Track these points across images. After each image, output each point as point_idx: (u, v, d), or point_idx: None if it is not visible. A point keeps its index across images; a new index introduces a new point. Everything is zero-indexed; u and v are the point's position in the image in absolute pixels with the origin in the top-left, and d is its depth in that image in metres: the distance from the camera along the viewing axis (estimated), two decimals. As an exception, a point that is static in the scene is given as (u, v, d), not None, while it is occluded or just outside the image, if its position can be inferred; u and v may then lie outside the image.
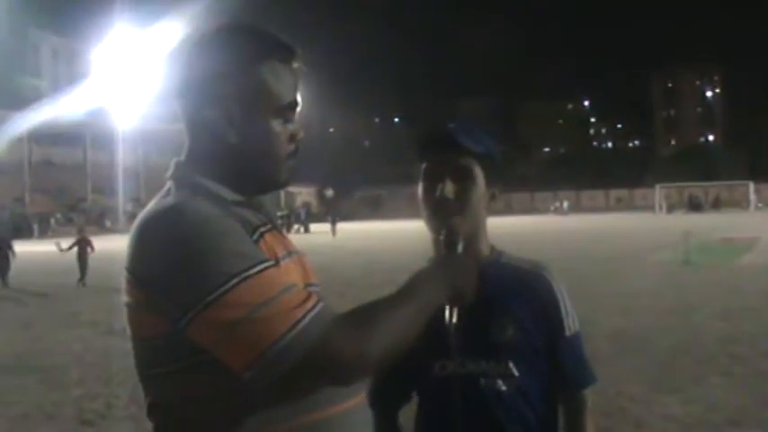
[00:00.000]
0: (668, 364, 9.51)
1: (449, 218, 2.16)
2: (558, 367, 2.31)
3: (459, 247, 2.09)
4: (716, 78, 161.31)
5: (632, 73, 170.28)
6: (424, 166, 2.31)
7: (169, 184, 1.82)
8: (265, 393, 1.62)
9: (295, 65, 1.86)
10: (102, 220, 73.83)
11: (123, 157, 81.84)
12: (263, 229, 1.79)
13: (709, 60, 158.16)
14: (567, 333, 2.30)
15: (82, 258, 22.50)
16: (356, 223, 75.83)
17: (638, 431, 6.90)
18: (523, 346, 2.24)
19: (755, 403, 7.65)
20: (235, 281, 1.57)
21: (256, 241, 1.73)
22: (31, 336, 14.08)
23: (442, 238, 2.12)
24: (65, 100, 74.14)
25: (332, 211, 63.01)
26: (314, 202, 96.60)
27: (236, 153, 1.79)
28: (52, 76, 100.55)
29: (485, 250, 2.36)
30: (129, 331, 1.77)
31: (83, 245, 22.95)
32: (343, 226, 60.02)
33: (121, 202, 78.39)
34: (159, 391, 1.74)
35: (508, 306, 2.26)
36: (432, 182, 2.26)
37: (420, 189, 2.31)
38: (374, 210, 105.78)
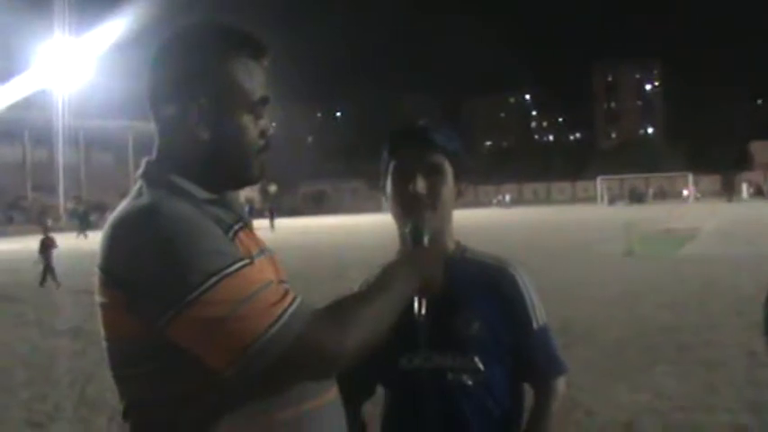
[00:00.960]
0: (615, 354, 9.65)
1: (420, 213, 2.21)
2: (529, 360, 2.34)
3: (426, 240, 2.13)
4: (655, 72, 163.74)
5: (573, 67, 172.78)
6: (393, 162, 2.34)
7: (140, 182, 1.81)
8: (243, 391, 1.64)
9: (265, 62, 1.88)
10: (42, 219, 72.64)
11: (63, 154, 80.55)
12: (236, 227, 1.80)
13: (648, 54, 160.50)
14: (535, 326, 2.34)
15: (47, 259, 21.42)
16: (300, 219, 75.69)
17: (588, 418, 6.99)
18: (489, 340, 2.27)
19: (701, 390, 7.80)
20: (215, 279, 1.58)
21: (232, 239, 1.74)
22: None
23: (408, 231, 2.16)
24: (2, 95, 72.91)
25: (269, 206, 62.58)
26: (257, 197, 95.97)
27: (208, 149, 1.80)
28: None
29: (450, 245, 2.40)
30: (103, 332, 1.76)
31: (47, 244, 21.86)
32: (286, 221, 59.84)
33: (62, 200, 77.31)
34: (136, 391, 1.74)
35: (474, 301, 2.30)
36: (403, 178, 2.29)
37: (389, 185, 2.34)
38: (317, 205, 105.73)
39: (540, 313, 2.36)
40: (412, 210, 2.24)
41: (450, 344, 2.26)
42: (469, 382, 2.25)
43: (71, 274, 21.04)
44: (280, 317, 1.60)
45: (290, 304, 1.64)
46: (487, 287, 2.32)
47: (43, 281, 20.89)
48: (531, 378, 2.39)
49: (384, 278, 1.89)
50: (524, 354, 2.33)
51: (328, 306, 1.72)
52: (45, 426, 7.80)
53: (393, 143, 2.36)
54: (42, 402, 8.62)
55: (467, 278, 2.33)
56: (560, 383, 2.38)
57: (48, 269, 21.19)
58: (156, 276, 1.60)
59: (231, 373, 1.59)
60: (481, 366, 2.26)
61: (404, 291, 1.89)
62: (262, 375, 1.60)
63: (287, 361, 1.59)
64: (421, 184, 2.26)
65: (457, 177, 2.36)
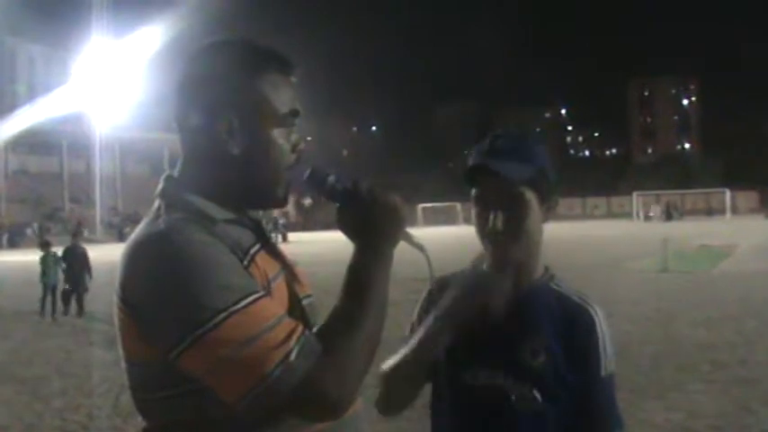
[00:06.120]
0: (650, 372, 9.58)
1: (502, 248, 2.18)
2: (589, 406, 2.22)
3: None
4: (692, 87, 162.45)
5: (609, 81, 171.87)
6: (474, 189, 2.25)
7: (158, 202, 1.81)
8: (260, 417, 1.64)
9: (293, 78, 1.87)
10: (79, 230, 73.09)
11: (100, 165, 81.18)
12: (253, 251, 1.78)
13: (685, 69, 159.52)
14: (603, 373, 2.22)
15: None
16: (334, 233, 75.83)
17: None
18: (551, 375, 2.18)
19: (736, 409, 7.72)
20: (222, 316, 1.57)
21: (248, 266, 1.72)
22: (11, 346, 13.96)
23: (486, 266, 2.17)
24: (41, 108, 73.69)
25: (273, 217, 62.25)
26: (292, 210, 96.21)
27: (237, 165, 1.78)
28: (28, 83, 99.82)
29: (538, 270, 2.33)
30: (121, 353, 1.76)
31: None
32: (321, 235, 59.89)
33: (99, 211, 77.86)
34: (153, 415, 1.75)
35: (546, 333, 2.21)
36: (481, 209, 2.22)
37: (473, 214, 2.26)
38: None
39: (609, 362, 2.23)
40: (493, 246, 2.20)
41: (510, 369, 2.19)
42: (522, 410, 2.18)
43: (107, 284, 21.10)
44: (282, 360, 1.58)
45: (295, 345, 1.61)
46: (563, 322, 2.22)
47: None
48: (584, 425, 2.24)
49: (359, 285, 1.81)
50: (585, 398, 2.21)
51: (323, 339, 1.68)
52: (79, 435, 7.85)
53: (467, 176, 2.25)
54: (76, 412, 8.71)
55: (545, 308, 2.24)
56: None
57: None
58: (165, 309, 1.60)
59: (241, 408, 1.59)
60: (538, 397, 2.17)
61: (381, 294, 1.80)
62: (272, 411, 1.61)
63: (292, 402, 1.59)
64: (500, 220, 2.18)
65: (543, 199, 2.27)
